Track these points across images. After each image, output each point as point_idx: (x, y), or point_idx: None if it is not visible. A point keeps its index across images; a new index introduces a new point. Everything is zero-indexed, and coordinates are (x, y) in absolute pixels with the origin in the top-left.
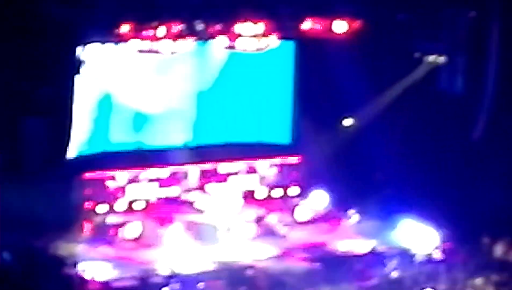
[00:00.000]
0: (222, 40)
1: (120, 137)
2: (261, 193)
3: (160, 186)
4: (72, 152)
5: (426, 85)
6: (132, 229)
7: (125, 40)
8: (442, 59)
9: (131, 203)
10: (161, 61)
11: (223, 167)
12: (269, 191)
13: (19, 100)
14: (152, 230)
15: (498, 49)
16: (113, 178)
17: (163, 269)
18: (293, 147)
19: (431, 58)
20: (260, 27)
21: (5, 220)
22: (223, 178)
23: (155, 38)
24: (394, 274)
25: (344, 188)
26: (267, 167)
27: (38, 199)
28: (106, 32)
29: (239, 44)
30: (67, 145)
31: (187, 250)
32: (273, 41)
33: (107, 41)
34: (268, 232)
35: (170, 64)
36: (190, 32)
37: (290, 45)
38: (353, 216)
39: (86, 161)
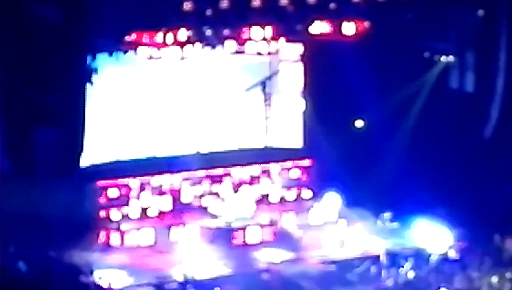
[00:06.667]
0: (230, 45)
1: (133, 145)
2: (274, 196)
3: (173, 192)
4: (85, 161)
5: (436, 85)
6: (147, 236)
7: (134, 48)
8: (451, 58)
9: (145, 210)
10: (170, 68)
11: (236, 172)
12: (282, 195)
13: (32, 110)
14: (166, 237)
15: (507, 47)
16: (126, 185)
17: (178, 275)
18: (304, 150)
19: (441, 58)
20: (268, 31)
21: (20, 230)
22: (236, 182)
23: (163, 45)
24: (410, 275)
25: (356, 189)
26: (279, 171)
27: (52, 208)
28: (115, 40)
29: (247, 48)
30: (80, 154)
31: (202, 256)
32: (282, 44)
33: (117, 50)
34: (283, 236)
35: (180, 71)
36: (198, 38)
37: (299, 48)
38: (367, 217)
39: (99, 170)
